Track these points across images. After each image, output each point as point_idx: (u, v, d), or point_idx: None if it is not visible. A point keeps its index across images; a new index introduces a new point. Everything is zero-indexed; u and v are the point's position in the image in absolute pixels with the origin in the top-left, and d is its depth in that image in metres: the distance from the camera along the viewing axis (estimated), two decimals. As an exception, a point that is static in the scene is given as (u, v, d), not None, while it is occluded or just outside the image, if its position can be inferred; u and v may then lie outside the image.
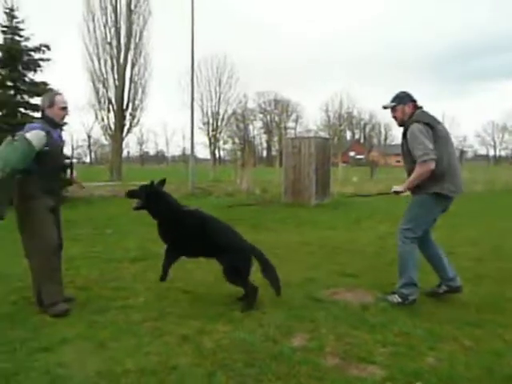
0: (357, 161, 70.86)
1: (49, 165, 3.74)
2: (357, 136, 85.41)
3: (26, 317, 3.64)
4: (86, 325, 3.44)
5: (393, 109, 4.13)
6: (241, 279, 3.87)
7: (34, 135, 3.58)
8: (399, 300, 3.95)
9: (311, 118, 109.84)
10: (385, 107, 4.20)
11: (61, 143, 3.99)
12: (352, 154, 74.76)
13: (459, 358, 2.94)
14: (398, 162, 78.88)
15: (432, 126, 3.86)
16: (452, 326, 3.45)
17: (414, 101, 4.07)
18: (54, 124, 3.85)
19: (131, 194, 4.16)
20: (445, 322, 3.53)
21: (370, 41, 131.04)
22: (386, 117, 78.46)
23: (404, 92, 4.12)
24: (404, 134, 4.00)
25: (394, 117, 4.15)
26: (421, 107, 4.07)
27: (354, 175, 26.45)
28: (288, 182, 13.05)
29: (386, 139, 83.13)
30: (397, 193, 4.06)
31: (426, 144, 3.75)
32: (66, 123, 4.30)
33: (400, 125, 4.12)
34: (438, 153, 3.78)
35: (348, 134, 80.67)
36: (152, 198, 4.00)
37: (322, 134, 61.94)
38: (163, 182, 4.16)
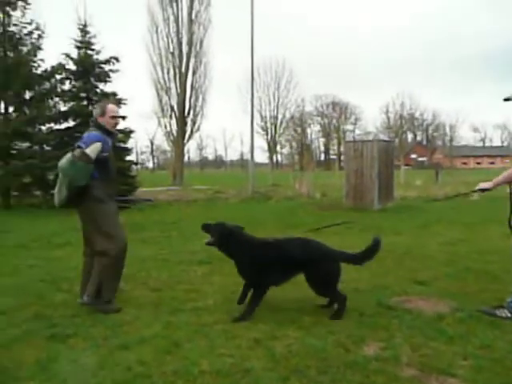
0: (419, 163, 68.33)
1: (108, 169, 4.02)
2: (419, 138, 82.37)
3: (105, 316, 3.82)
4: (162, 325, 3.56)
5: None
6: (332, 289, 3.87)
7: (94, 149, 3.76)
8: (508, 315, 3.69)
9: (370, 120, 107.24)
10: (507, 99, 3.97)
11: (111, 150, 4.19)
12: (414, 156, 72.30)
13: (550, 374, 2.74)
14: (464, 163, 75.42)
15: None
16: (539, 340, 3.22)
17: None
18: (106, 131, 4.05)
19: (206, 229, 4.09)
20: (530, 336, 3.31)
21: (434, 37, 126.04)
22: (452, 117, 75.00)
23: None
24: None
25: None
26: None
27: (417, 178, 25.52)
28: (349, 185, 12.83)
29: (451, 140, 79.34)
30: (483, 190, 3.88)
31: None
32: (117, 133, 4.46)
33: None
34: None
35: (409, 136, 78.03)
36: (224, 239, 3.92)
37: (382, 136, 60.49)
38: (241, 228, 4.06)
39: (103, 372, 2.79)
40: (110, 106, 4.09)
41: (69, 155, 3.72)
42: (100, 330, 3.47)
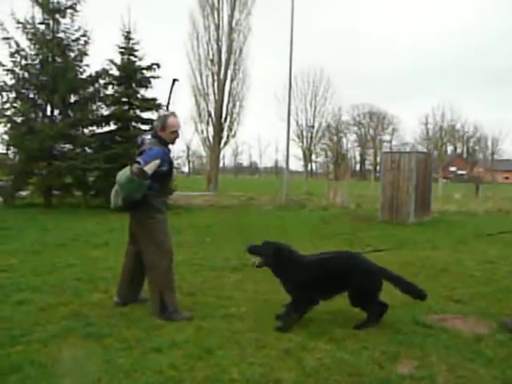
0: (458, 177, 66.38)
1: (166, 182, 4.10)
2: (459, 150, 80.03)
3: (139, 317, 3.91)
4: (194, 330, 3.59)
5: None
6: (371, 303, 3.87)
7: (152, 167, 3.76)
8: None
9: (408, 131, 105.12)
10: None
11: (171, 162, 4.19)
12: (453, 169, 70.33)
13: None
14: (507, 178, 72.63)
15: None
16: None
17: None
18: (166, 144, 4.07)
19: (253, 251, 3.99)
20: None
21: (475, 47, 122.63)
22: (494, 129, 72.62)
23: None
24: None
25: None
26: None
27: (456, 192, 24.79)
28: (385, 198, 12.58)
29: (492, 154, 76.63)
30: None
31: None
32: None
33: None
34: None
35: (449, 148, 75.98)
36: (279, 259, 3.87)
37: (420, 147, 59.10)
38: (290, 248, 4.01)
39: (136, 374, 2.84)
40: (171, 121, 4.03)
41: (127, 171, 3.74)
42: (134, 332, 3.54)
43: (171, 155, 4.21)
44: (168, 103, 4.57)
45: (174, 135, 4.10)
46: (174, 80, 4.61)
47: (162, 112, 4.51)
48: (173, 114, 4.15)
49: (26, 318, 3.80)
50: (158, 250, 3.96)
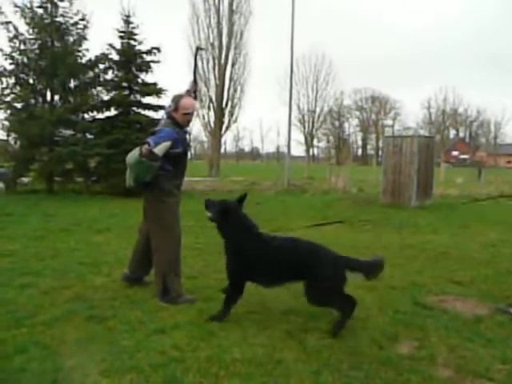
0: (461, 161, 66.18)
1: (180, 164, 4.02)
2: (461, 134, 79.59)
3: (142, 300, 3.94)
4: (196, 312, 3.63)
5: None
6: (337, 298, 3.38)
7: (162, 148, 3.72)
8: None
9: (410, 116, 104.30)
10: None
11: (187, 144, 4.15)
12: (455, 153, 70.08)
13: None
14: (509, 162, 72.28)
15: None
16: None
17: None
18: (180, 126, 3.99)
19: (206, 205, 3.65)
20: None
21: (479, 29, 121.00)
22: (497, 113, 72.11)
23: None
24: None
25: None
26: None
27: (458, 176, 24.74)
28: (387, 181, 12.58)
29: (495, 138, 76.18)
30: None
31: None
32: (189, 129, 4.32)
33: None
34: None
35: (451, 132, 75.54)
36: (224, 216, 3.55)
37: (422, 131, 58.82)
38: (243, 198, 3.65)
39: (139, 354, 2.87)
40: (184, 102, 3.94)
41: (137, 152, 3.67)
42: (137, 314, 3.57)
43: (188, 137, 4.16)
44: (194, 72, 4.50)
45: (187, 117, 4.02)
46: (198, 48, 4.56)
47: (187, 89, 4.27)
48: (187, 95, 4.09)
49: (29, 301, 3.84)
50: (165, 233, 3.97)
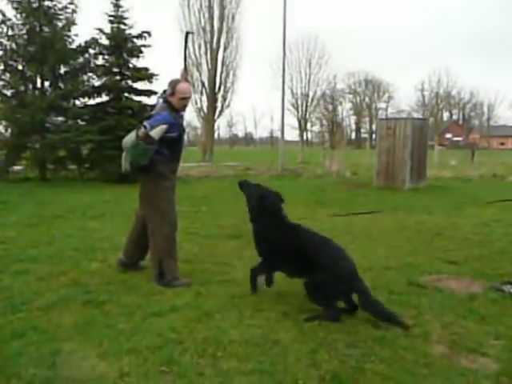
0: (454, 143, 66.37)
1: (175, 148, 4.02)
2: (455, 117, 79.62)
3: (138, 284, 3.95)
4: (193, 295, 3.65)
5: None
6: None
7: (158, 132, 3.72)
8: None
9: (403, 99, 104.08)
10: None
11: (182, 128, 4.14)
12: (449, 135, 70.24)
13: None
14: (502, 144, 72.63)
15: None
16: None
17: None
18: (176, 110, 4.00)
19: (241, 186, 4.00)
20: None
21: (472, 11, 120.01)
22: (490, 95, 72.08)
23: None
24: None
25: None
26: None
27: (451, 158, 24.83)
28: (381, 164, 12.60)
29: (488, 120, 76.27)
30: None
31: None
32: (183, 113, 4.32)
33: None
34: None
35: (445, 115, 75.48)
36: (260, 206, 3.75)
37: (416, 114, 58.74)
38: (280, 198, 3.90)
39: (136, 337, 2.88)
40: (180, 87, 3.97)
41: (133, 135, 3.69)
42: (133, 298, 3.58)
43: (183, 121, 4.17)
44: (185, 57, 4.46)
45: (183, 102, 4.04)
46: (188, 33, 4.51)
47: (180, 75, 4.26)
48: (183, 80, 4.10)
49: (25, 287, 3.83)
50: (160, 217, 3.97)
